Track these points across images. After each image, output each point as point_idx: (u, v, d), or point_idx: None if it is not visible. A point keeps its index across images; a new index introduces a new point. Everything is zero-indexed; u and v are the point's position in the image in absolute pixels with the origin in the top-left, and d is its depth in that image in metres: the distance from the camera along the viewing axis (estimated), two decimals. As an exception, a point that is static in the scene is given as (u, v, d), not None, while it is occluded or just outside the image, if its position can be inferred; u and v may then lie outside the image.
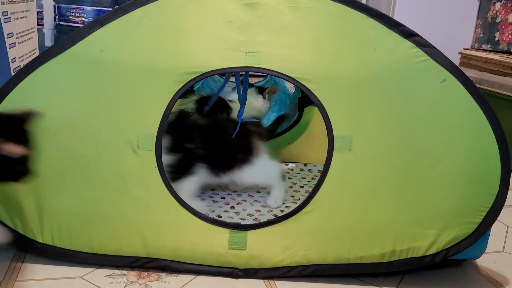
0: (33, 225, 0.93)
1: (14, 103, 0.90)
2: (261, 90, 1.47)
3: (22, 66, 1.45)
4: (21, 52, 1.44)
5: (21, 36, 1.43)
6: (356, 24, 0.93)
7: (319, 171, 1.49)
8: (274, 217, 1.03)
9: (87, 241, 0.93)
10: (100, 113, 0.92)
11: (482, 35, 2.08)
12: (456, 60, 2.20)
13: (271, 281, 0.95)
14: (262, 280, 0.95)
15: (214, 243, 0.94)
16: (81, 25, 2.78)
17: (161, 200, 0.93)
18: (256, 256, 0.94)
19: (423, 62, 0.92)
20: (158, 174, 0.92)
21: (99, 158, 0.91)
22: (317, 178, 1.43)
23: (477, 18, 2.17)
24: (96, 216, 0.93)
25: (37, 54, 1.65)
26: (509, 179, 0.92)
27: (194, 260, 0.95)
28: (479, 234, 0.93)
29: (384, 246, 0.93)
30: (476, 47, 2.13)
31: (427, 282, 0.97)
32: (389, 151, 0.92)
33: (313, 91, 0.92)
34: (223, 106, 1.40)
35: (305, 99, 1.57)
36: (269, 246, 0.94)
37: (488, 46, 2.04)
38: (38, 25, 2.57)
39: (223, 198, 1.27)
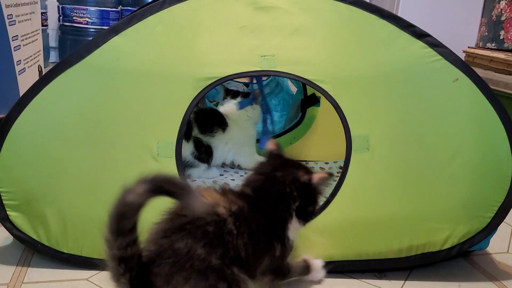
0: (58, 235, 0.94)
1: (34, 112, 0.91)
2: (244, 97, 1.49)
3: (27, 69, 1.45)
4: (26, 54, 1.43)
5: (26, 39, 1.42)
6: (368, 25, 0.95)
7: (320, 168, 1.51)
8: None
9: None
10: (119, 121, 0.92)
11: (486, 33, 2.07)
12: None
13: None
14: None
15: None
16: (85, 26, 2.77)
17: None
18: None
19: (435, 61, 0.94)
20: (179, 180, 0.93)
21: (120, 166, 0.92)
22: (319, 175, 1.46)
23: (482, 16, 2.15)
24: (120, 223, 0.93)
25: (41, 55, 1.64)
26: (521, 173, 0.95)
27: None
28: (492, 228, 0.97)
29: (401, 241, 0.96)
30: (480, 46, 2.12)
31: (430, 285, 0.98)
32: (404, 149, 0.94)
33: (329, 92, 0.93)
34: (219, 120, 1.43)
35: (307, 100, 1.58)
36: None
37: (493, 44, 2.03)
38: (42, 25, 2.55)
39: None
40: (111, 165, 0.92)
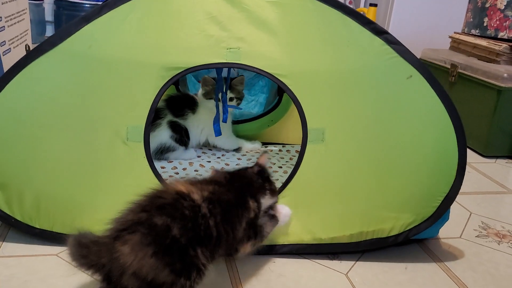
0: (31, 211, 1.00)
1: (7, 98, 0.95)
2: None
3: (12, 49, 1.49)
4: (11, 35, 1.47)
5: (11, 19, 1.46)
6: (331, 22, 0.98)
7: (296, 151, 1.56)
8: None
9: (81, 226, 0.99)
10: (91, 107, 0.97)
11: (472, 19, 2.07)
12: (447, 44, 2.20)
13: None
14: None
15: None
16: (80, 1, 2.82)
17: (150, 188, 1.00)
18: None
19: (392, 59, 0.98)
20: (147, 163, 0.99)
21: (91, 149, 0.98)
22: (295, 159, 1.52)
23: (469, 2, 2.14)
24: (89, 203, 1.00)
25: (29, 35, 1.67)
26: (465, 167, 1.01)
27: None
28: (437, 217, 1.03)
29: (353, 228, 1.03)
30: (466, 32, 2.12)
31: (378, 267, 1.04)
32: (359, 142, 1.00)
33: (289, 86, 0.98)
34: (190, 103, 1.48)
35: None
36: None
37: (477, 31, 2.03)
38: (38, 0, 2.58)
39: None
40: (83, 148, 0.98)
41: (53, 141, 0.98)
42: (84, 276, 0.80)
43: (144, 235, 0.73)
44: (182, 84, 1.76)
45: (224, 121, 1.41)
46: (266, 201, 0.94)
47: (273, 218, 0.96)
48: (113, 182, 1.00)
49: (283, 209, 0.98)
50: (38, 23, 2.85)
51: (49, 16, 3.11)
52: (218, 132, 1.42)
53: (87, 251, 0.72)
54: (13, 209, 1.01)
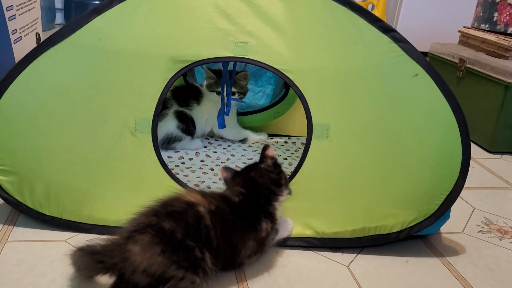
0: (41, 199, 1.03)
1: (19, 90, 0.97)
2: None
3: (23, 37, 1.51)
4: (22, 23, 1.48)
5: (22, 8, 1.47)
6: (338, 18, 0.98)
7: (302, 143, 1.58)
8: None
9: (89, 214, 1.03)
10: (99, 98, 0.99)
11: (482, 14, 2.05)
12: (456, 38, 2.19)
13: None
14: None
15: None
16: None
17: (157, 178, 1.02)
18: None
19: (398, 57, 0.98)
20: (154, 154, 1.01)
21: (100, 140, 1.00)
22: (300, 151, 1.53)
23: None
24: (98, 192, 1.02)
25: (39, 23, 1.69)
26: (468, 167, 1.02)
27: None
28: (440, 214, 1.04)
29: (355, 223, 1.04)
30: (475, 26, 2.10)
31: (379, 260, 1.05)
32: (363, 139, 1.01)
33: (295, 82, 0.98)
34: (194, 94, 1.50)
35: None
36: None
37: (486, 26, 2.01)
38: None
39: (212, 169, 1.37)
40: (92, 139, 1.00)
41: (63, 132, 1.00)
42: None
43: (153, 236, 0.80)
44: (190, 75, 1.77)
45: (226, 114, 1.43)
46: (282, 198, 0.99)
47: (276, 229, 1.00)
48: (121, 172, 1.02)
49: (286, 224, 1.03)
50: (48, 11, 2.87)
51: (58, 3, 3.13)
52: (222, 125, 1.44)
53: (102, 256, 0.78)
54: (24, 196, 1.03)
